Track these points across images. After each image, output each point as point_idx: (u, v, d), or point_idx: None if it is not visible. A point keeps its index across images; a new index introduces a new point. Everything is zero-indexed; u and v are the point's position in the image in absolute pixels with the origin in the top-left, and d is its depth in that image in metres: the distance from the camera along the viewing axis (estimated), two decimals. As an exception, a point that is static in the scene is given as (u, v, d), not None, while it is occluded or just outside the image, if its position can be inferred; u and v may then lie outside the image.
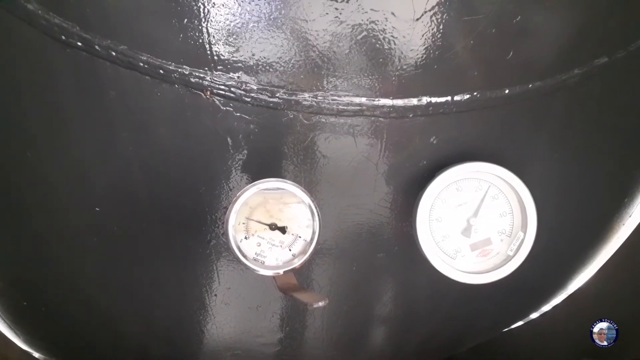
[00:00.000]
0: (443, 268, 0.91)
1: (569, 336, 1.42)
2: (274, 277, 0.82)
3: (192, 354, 1.24)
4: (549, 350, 1.46)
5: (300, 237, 0.81)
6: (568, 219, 1.15)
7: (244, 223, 0.81)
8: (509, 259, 0.91)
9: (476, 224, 0.92)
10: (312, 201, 0.81)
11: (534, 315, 1.48)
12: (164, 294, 1.10)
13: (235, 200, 0.79)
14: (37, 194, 0.99)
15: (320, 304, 0.71)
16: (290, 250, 0.83)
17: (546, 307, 1.46)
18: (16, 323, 1.29)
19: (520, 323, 1.49)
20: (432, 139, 0.94)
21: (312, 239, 0.80)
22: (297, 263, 0.81)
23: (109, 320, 1.20)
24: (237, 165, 0.92)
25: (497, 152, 0.97)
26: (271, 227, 0.81)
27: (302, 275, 1.07)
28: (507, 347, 1.55)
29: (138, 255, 1.05)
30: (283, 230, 0.81)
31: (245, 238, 0.81)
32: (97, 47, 0.82)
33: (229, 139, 0.90)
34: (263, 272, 0.79)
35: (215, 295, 1.08)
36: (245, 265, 0.79)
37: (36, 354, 1.46)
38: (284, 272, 0.80)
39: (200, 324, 1.15)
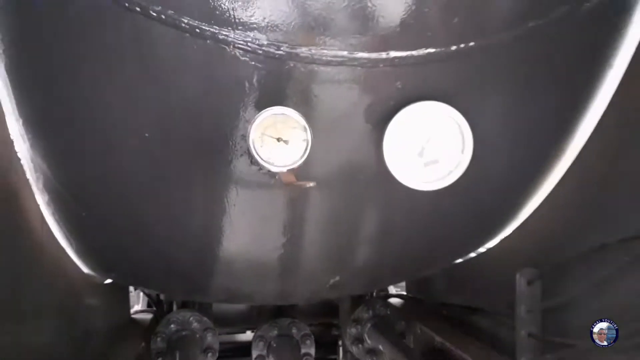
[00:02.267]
0: (404, 180, 1.19)
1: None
2: (280, 174, 1.11)
3: (211, 256, 1.49)
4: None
5: (298, 147, 1.09)
6: (512, 152, 1.33)
7: (260, 137, 1.08)
8: (451, 173, 1.20)
9: (428, 147, 1.18)
10: (306, 123, 1.08)
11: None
12: (195, 204, 1.36)
13: (254, 121, 1.06)
14: (103, 123, 1.23)
15: (310, 184, 1.02)
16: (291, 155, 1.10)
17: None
18: (71, 232, 1.49)
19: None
20: (397, 84, 1.13)
21: (305, 149, 1.08)
22: (295, 164, 1.09)
23: (150, 234, 1.45)
24: (252, 101, 1.13)
25: (451, 94, 1.15)
26: (278, 140, 1.08)
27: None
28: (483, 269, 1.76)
29: (176, 174, 1.28)
30: (287, 142, 1.08)
31: (261, 146, 1.08)
32: (151, 11, 1.01)
33: (246, 82, 1.10)
34: (274, 169, 1.07)
35: (234, 205, 1.34)
36: (261, 165, 1.07)
37: (85, 270, 1.68)
38: (287, 170, 1.08)
39: (221, 228, 1.41)
